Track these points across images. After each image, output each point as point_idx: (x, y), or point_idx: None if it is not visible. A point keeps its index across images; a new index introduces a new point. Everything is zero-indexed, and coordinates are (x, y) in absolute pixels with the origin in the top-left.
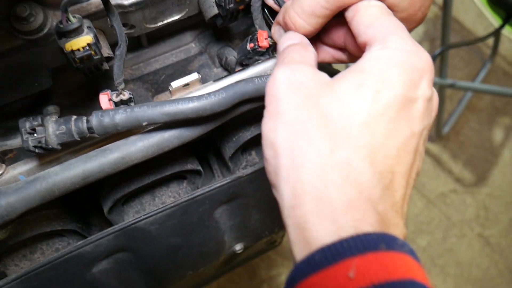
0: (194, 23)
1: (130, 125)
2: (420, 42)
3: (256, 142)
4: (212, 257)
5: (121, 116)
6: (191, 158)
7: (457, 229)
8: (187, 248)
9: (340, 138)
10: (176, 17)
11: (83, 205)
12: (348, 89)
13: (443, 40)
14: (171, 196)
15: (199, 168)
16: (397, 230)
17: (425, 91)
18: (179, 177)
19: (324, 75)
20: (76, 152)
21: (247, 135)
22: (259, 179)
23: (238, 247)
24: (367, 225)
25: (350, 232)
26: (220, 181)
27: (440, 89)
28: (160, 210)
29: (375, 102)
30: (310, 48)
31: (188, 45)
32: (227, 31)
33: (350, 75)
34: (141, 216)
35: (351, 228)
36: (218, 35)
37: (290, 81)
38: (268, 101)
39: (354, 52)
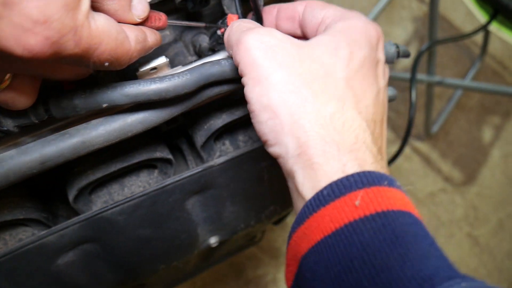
0: (168, 9)
1: (90, 107)
2: (409, 40)
3: (229, 131)
4: (185, 250)
5: (80, 98)
6: (161, 146)
7: (446, 229)
8: (157, 240)
9: (329, 93)
10: None
11: (50, 194)
12: (327, 52)
13: (430, 36)
14: (141, 186)
15: (169, 156)
16: (388, 172)
17: (381, 55)
18: (150, 166)
19: (292, 38)
20: (38, 137)
21: (218, 122)
22: (232, 169)
23: (213, 240)
24: (367, 164)
25: (355, 169)
26: (190, 170)
27: (428, 86)
28: (128, 199)
29: (351, 61)
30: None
31: (163, 33)
32: (202, 18)
33: (325, 40)
34: (107, 206)
35: (355, 166)
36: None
37: (264, 45)
38: (247, 70)
39: (310, 34)
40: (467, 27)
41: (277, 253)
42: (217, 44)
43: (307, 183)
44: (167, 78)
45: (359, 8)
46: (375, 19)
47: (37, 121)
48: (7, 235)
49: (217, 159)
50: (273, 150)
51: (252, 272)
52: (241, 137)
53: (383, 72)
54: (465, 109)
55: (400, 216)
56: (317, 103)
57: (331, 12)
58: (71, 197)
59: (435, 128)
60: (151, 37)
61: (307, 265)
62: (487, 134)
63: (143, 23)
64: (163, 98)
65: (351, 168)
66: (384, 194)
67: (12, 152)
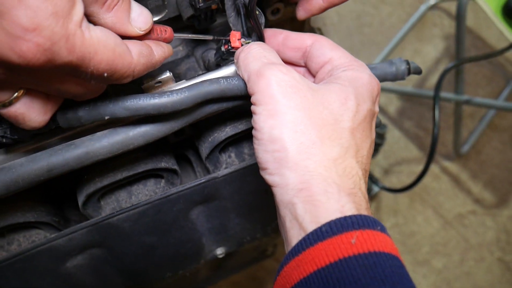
0: (181, 26)
1: (93, 119)
2: (440, 58)
3: (235, 144)
4: (191, 259)
5: (84, 110)
6: (167, 157)
7: (475, 252)
8: (162, 248)
9: (335, 139)
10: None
11: (65, 200)
12: (338, 101)
13: (457, 55)
14: (148, 195)
15: (175, 167)
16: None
17: (377, 108)
18: (157, 176)
19: (308, 81)
20: (47, 145)
21: (221, 135)
22: (236, 181)
23: (219, 251)
24: (362, 209)
25: (352, 211)
26: (194, 181)
27: (456, 105)
28: (133, 207)
29: (357, 113)
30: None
31: (176, 48)
32: (213, 34)
33: (336, 89)
34: (113, 213)
35: (353, 208)
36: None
37: (284, 83)
38: (264, 101)
39: (314, 68)
40: (502, 46)
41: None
42: (222, 60)
43: (308, 217)
44: (165, 94)
45: (388, 25)
46: (405, 36)
47: (45, 130)
48: (21, 237)
49: (220, 171)
50: (272, 179)
51: (272, 286)
52: (246, 150)
53: (375, 125)
54: (498, 129)
55: (390, 259)
56: (323, 146)
57: (339, 55)
58: (80, 202)
59: (466, 148)
60: (158, 51)
61: None
62: None
63: (147, 35)
64: (162, 113)
65: (349, 209)
66: (377, 237)
67: (22, 160)
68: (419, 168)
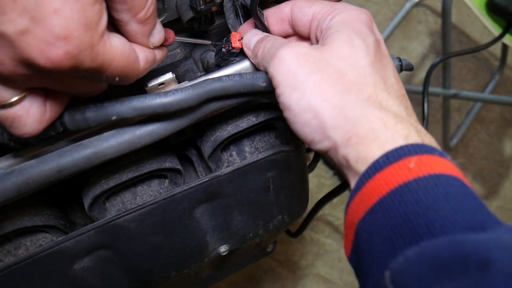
0: (177, 29)
1: (100, 120)
2: (426, 54)
3: (236, 142)
4: (195, 257)
5: (92, 110)
6: (171, 157)
7: None
8: (168, 247)
9: (360, 82)
10: None
11: (68, 203)
12: (345, 46)
13: (444, 49)
14: (152, 195)
15: (179, 167)
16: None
17: (378, 34)
18: (161, 176)
19: (315, 45)
20: (55, 149)
21: (224, 134)
22: (238, 179)
23: (223, 249)
24: (412, 136)
25: (401, 139)
26: (198, 179)
27: (444, 99)
28: (139, 208)
29: (368, 47)
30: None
31: (174, 51)
32: (209, 37)
33: (338, 36)
34: (120, 214)
35: (401, 137)
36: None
37: (296, 55)
38: (282, 79)
39: (303, 32)
40: (485, 40)
41: (294, 267)
42: (222, 61)
43: (361, 159)
44: (171, 92)
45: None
46: (391, 34)
47: (53, 133)
48: (28, 241)
49: (223, 169)
50: (321, 146)
51: (269, 285)
52: (247, 148)
53: (386, 50)
54: (485, 122)
55: (451, 179)
56: (351, 94)
57: (319, 7)
58: (86, 205)
59: (454, 141)
60: (159, 54)
61: (364, 227)
62: (508, 147)
63: None
64: (168, 111)
65: (399, 138)
66: (437, 161)
67: (32, 162)
68: None
